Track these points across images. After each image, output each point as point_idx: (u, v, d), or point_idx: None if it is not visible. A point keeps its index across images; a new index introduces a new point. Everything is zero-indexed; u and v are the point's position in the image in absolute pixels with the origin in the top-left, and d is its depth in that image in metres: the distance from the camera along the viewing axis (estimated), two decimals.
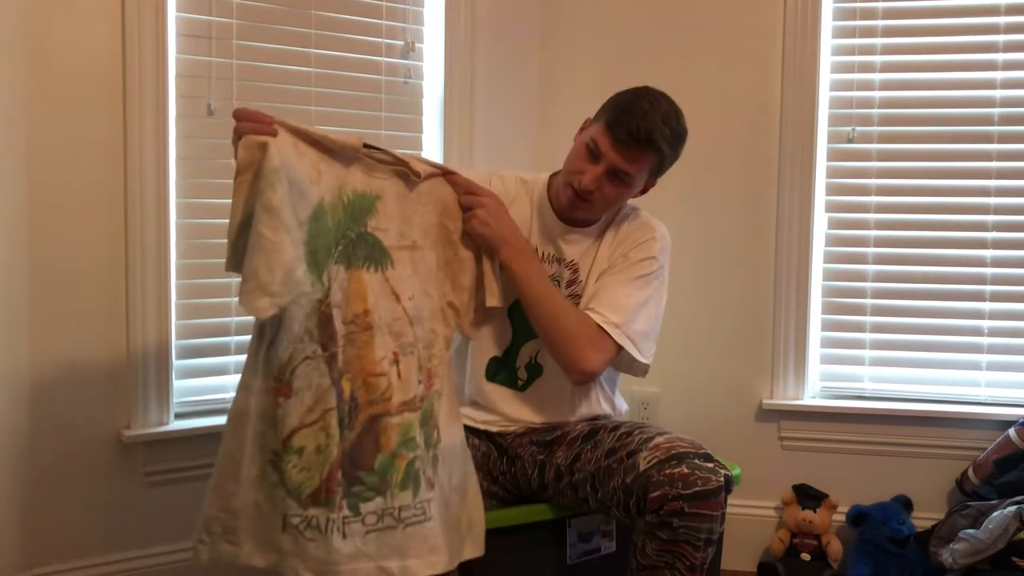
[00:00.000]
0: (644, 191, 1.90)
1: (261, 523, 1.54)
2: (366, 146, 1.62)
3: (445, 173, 1.75)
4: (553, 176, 1.94)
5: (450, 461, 1.69)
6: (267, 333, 1.51)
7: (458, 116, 2.56)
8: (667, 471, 1.62)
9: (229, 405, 2.26)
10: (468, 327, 1.76)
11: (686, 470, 1.61)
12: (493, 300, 1.76)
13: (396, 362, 1.62)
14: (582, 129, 1.89)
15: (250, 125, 1.45)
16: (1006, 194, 2.56)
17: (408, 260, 1.67)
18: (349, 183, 1.59)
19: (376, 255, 1.62)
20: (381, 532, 1.57)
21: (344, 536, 1.53)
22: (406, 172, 1.68)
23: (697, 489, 1.60)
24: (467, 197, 1.74)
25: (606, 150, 1.78)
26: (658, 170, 1.85)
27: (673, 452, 1.65)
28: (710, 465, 1.64)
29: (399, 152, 1.68)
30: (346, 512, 1.54)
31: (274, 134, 1.46)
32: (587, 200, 1.82)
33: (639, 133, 1.75)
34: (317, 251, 1.52)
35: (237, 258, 1.48)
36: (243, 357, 2.26)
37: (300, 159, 1.50)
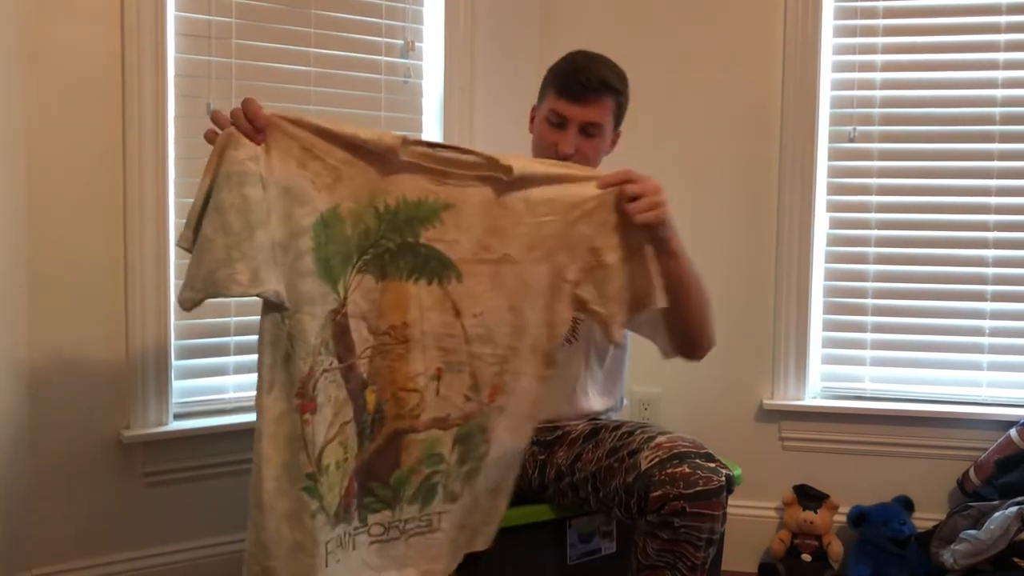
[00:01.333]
0: (613, 144, 1.92)
1: (301, 566, 1.45)
2: (432, 144, 1.52)
3: (577, 177, 1.60)
4: None
5: (494, 468, 1.65)
6: (282, 346, 1.43)
7: (458, 115, 2.55)
8: (668, 470, 1.61)
9: (229, 405, 2.31)
10: (618, 335, 1.65)
11: (687, 470, 1.61)
12: (663, 300, 1.63)
13: (437, 378, 1.57)
14: (532, 118, 1.92)
15: (241, 122, 1.38)
16: (1007, 194, 2.56)
17: (487, 275, 1.57)
18: (393, 190, 1.48)
19: (433, 268, 1.53)
20: (384, 544, 1.56)
21: (354, 547, 1.52)
22: (495, 176, 1.54)
23: (699, 489, 1.59)
24: (635, 187, 1.57)
25: (569, 112, 1.80)
26: (618, 115, 1.88)
27: (675, 451, 1.64)
28: (712, 465, 1.64)
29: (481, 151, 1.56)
30: (356, 523, 1.52)
31: (258, 144, 1.38)
32: None
33: (591, 82, 1.79)
34: (330, 258, 1.44)
35: (186, 234, 1.43)
36: (243, 357, 2.30)
37: (301, 166, 1.41)
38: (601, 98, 1.81)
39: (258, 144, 1.39)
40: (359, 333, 1.49)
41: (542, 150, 1.86)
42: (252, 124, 1.38)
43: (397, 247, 1.51)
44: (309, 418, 1.44)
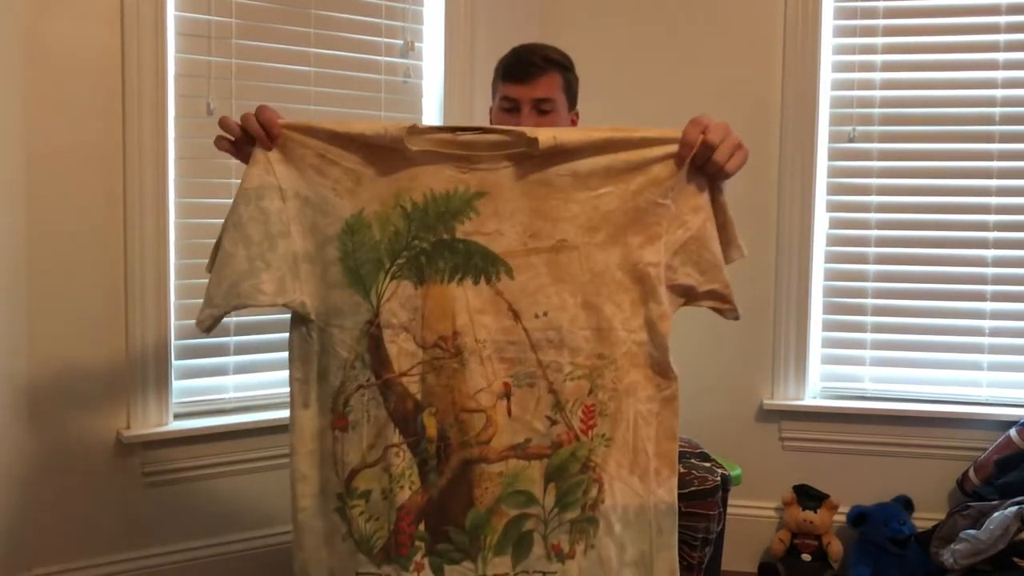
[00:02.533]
0: (574, 123, 1.95)
1: None
2: (447, 129, 1.37)
3: (630, 141, 1.37)
4: None
5: (627, 528, 1.38)
6: (310, 361, 1.37)
7: (458, 115, 2.55)
8: None
9: (229, 405, 2.31)
10: (734, 307, 1.44)
11: (682, 469, 1.61)
12: (740, 251, 1.46)
13: (507, 395, 1.36)
14: (491, 118, 1.95)
15: (253, 126, 1.35)
16: (1007, 194, 2.56)
17: (544, 266, 1.35)
18: (416, 185, 1.35)
19: (476, 264, 1.35)
20: None
21: None
22: (526, 152, 1.34)
23: (694, 488, 1.60)
24: (714, 134, 1.37)
25: (519, 92, 1.83)
26: (569, 90, 1.90)
27: None
28: (707, 465, 1.64)
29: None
30: (428, 573, 1.35)
31: (268, 148, 1.34)
32: None
33: (533, 59, 1.83)
34: (359, 267, 1.34)
35: (210, 263, 1.39)
36: (243, 357, 2.31)
37: (319, 173, 1.34)
38: (545, 74, 1.84)
39: (269, 149, 1.34)
40: (401, 346, 1.35)
41: None
42: (266, 131, 1.34)
43: (432, 246, 1.35)
44: (339, 435, 1.36)
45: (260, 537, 2.35)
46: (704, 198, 1.38)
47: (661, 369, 1.37)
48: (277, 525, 2.36)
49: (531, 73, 1.82)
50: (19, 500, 2.06)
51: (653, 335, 1.37)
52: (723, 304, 1.41)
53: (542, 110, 1.83)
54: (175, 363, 2.23)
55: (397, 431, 1.35)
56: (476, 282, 1.35)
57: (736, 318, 1.44)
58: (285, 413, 2.28)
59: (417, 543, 1.35)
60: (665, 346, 1.37)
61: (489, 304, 1.35)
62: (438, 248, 1.35)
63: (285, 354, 2.32)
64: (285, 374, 2.30)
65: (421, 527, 1.35)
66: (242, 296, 1.33)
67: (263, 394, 2.35)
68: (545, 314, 1.35)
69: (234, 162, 2.22)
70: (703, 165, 1.36)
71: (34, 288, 2.05)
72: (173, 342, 2.22)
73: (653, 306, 1.36)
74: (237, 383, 2.32)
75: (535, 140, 1.32)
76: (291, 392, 1.38)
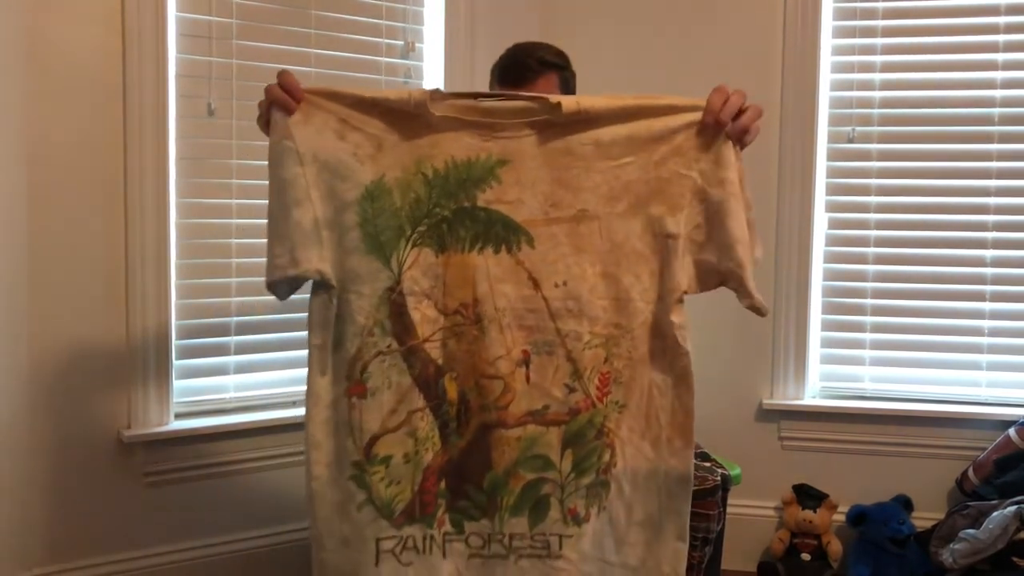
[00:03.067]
0: None
1: (348, 561, 1.37)
2: (470, 95, 1.36)
3: (656, 109, 1.35)
4: None
5: (637, 491, 1.41)
6: (329, 328, 1.35)
7: None
8: None
9: (229, 405, 2.32)
10: (759, 298, 1.39)
11: None
12: (760, 248, 1.40)
13: (525, 363, 1.37)
14: None
15: (277, 92, 1.34)
16: (1006, 194, 2.56)
17: (565, 236, 1.35)
18: (438, 153, 1.35)
19: (498, 233, 1.35)
20: (487, 559, 1.38)
21: (444, 555, 1.38)
22: (549, 119, 1.34)
23: (693, 488, 1.59)
24: (736, 99, 1.35)
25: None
26: (566, 88, 1.89)
27: None
28: (707, 464, 1.64)
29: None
30: (448, 528, 1.38)
31: (292, 110, 1.33)
32: None
33: (528, 61, 1.82)
34: (379, 234, 1.34)
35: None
36: (243, 357, 2.31)
37: (340, 138, 1.34)
38: (542, 76, 1.83)
39: (291, 113, 1.33)
40: (424, 313, 1.36)
41: None
42: (289, 95, 1.33)
43: (453, 214, 1.35)
44: (356, 402, 1.36)
45: (260, 537, 2.35)
46: (731, 172, 1.35)
47: (672, 342, 1.37)
48: (277, 525, 2.36)
49: (527, 76, 1.82)
50: (20, 500, 2.06)
51: (663, 307, 1.37)
52: (738, 289, 1.37)
53: None
54: (176, 363, 2.23)
55: (421, 396, 1.37)
56: (497, 251, 1.36)
57: (759, 312, 1.40)
58: (285, 413, 2.33)
59: (439, 500, 1.38)
60: (672, 320, 1.36)
61: (509, 273, 1.36)
62: (459, 216, 1.35)
63: (285, 354, 2.35)
64: (285, 374, 2.36)
65: (442, 485, 1.38)
66: (268, 271, 1.35)
67: (263, 394, 2.35)
68: (565, 283, 1.36)
69: (234, 162, 2.26)
70: (727, 132, 1.34)
71: (35, 286, 2.05)
72: (174, 342, 2.22)
73: (668, 278, 1.36)
74: (237, 383, 2.33)
75: (558, 106, 1.32)
76: (309, 358, 1.37)
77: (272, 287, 1.37)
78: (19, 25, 1.99)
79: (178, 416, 2.24)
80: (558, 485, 1.38)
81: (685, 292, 1.37)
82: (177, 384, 2.24)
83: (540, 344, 1.37)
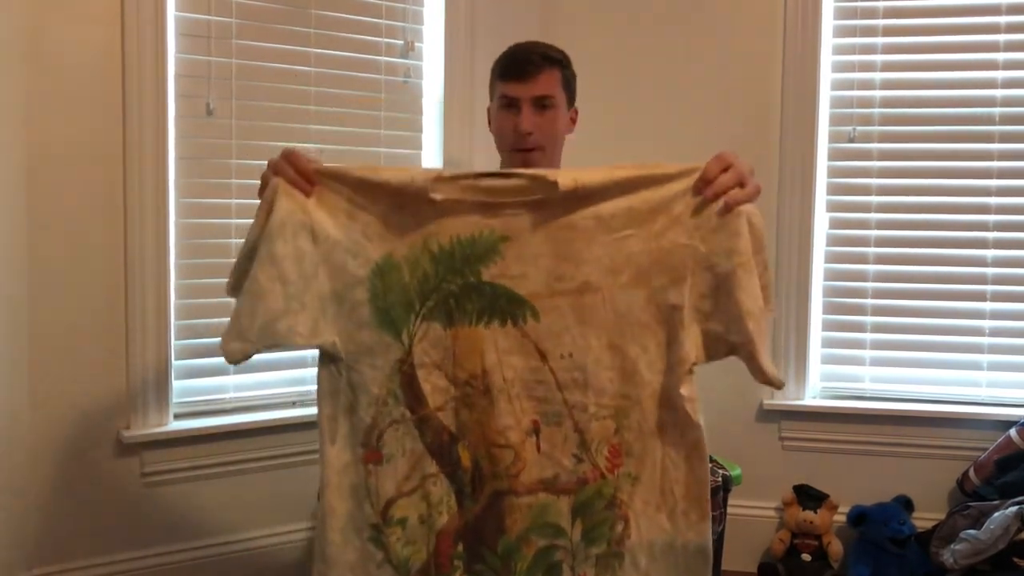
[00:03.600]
0: (573, 121, 1.94)
1: None
2: (471, 175, 1.38)
3: (654, 178, 1.36)
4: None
5: (650, 562, 1.40)
6: (343, 397, 1.39)
7: (458, 115, 2.55)
8: None
9: (228, 405, 2.31)
10: (773, 369, 1.37)
11: None
12: (772, 306, 1.40)
13: (535, 432, 1.40)
14: (490, 119, 1.95)
15: (290, 175, 1.36)
16: (1007, 194, 2.56)
17: (569, 308, 1.37)
18: (443, 230, 1.37)
19: (503, 307, 1.38)
20: None
21: None
22: (547, 196, 1.35)
23: None
24: (713, 167, 1.34)
25: (518, 91, 1.82)
26: (568, 87, 1.90)
27: None
28: (708, 465, 1.63)
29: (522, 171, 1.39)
30: None
31: (308, 195, 1.36)
32: (532, 148, 1.84)
33: (531, 57, 1.83)
34: (390, 308, 1.38)
35: (234, 283, 1.41)
36: None
37: (350, 218, 1.37)
38: (544, 71, 1.83)
39: (308, 194, 1.36)
40: (435, 383, 1.39)
41: (503, 139, 1.88)
42: (303, 176, 1.36)
43: (460, 289, 1.39)
44: (373, 468, 1.40)
45: (260, 537, 2.35)
46: (740, 241, 1.33)
47: (683, 415, 1.37)
48: (277, 525, 2.36)
49: (529, 71, 1.82)
50: (20, 500, 2.06)
51: (672, 379, 1.37)
52: (749, 362, 1.36)
53: (543, 105, 1.83)
54: (175, 363, 2.23)
55: (434, 462, 1.41)
56: (503, 324, 1.39)
57: (774, 385, 1.39)
58: (285, 413, 2.33)
59: (456, 562, 1.41)
60: (681, 393, 1.36)
61: (517, 345, 1.38)
62: (465, 291, 1.38)
63: (285, 354, 2.34)
64: (285, 374, 2.35)
65: (460, 547, 1.41)
66: (279, 336, 1.36)
67: (263, 394, 2.35)
68: (570, 355, 1.38)
69: (234, 162, 2.26)
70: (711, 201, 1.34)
71: (34, 288, 2.05)
72: (173, 342, 2.22)
73: (676, 349, 1.36)
74: (237, 383, 2.32)
75: (555, 184, 1.34)
76: (320, 427, 1.40)
77: (249, 355, 1.36)
78: (19, 25, 1.99)
79: (178, 416, 2.24)
80: (569, 552, 1.40)
81: (695, 363, 1.37)
82: (177, 384, 2.24)
83: (549, 415, 1.39)
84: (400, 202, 1.37)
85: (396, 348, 1.39)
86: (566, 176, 1.35)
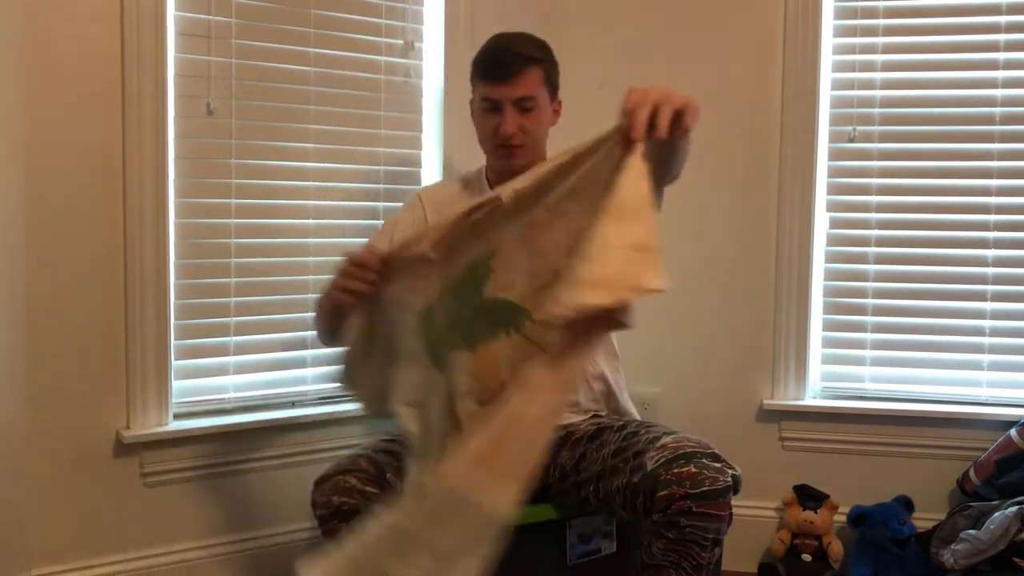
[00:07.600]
0: (557, 113, 1.95)
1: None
2: (458, 221, 1.53)
3: (579, 156, 1.41)
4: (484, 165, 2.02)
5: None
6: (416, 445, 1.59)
7: (458, 115, 2.54)
8: (675, 470, 1.61)
9: (228, 405, 2.31)
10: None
11: (694, 469, 1.60)
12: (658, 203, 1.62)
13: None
14: (472, 111, 1.96)
15: (377, 267, 1.61)
16: (1008, 194, 2.55)
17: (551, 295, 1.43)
18: (452, 267, 1.54)
19: (506, 319, 1.47)
20: None
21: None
22: (500, 208, 1.49)
23: (705, 488, 1.59)
24: (630, 101, 1.36)
25: (499, 93, 1.83)
26: (549, 81, 1.90)
27: (680, 451, 1.64)
28: (718, 465, 1.63)
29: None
30: None
31: (368, 291, 1.59)
32: (516, 145, 1.85)
33: (509, 56, 1.83)
34: (437, 348, 1.53)
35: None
36: (243, 357, 2.31)
37: (395, 283, 1.60)
38: (525, 72, 1.84)
39: (367, 291, 1.61)
40: (468, 409, 1.48)
41: (486, 138, 1.90)
42: (375, 271, 1.60)
43: (473, 312, 1.51)
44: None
45: (260, 537, 2.34)
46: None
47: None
48: (278, 525, 2.35)
49: (510, 73, 1.82)
50: (19, 500, 2.05)
51: None
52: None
53: (525, 107, 1.84)
54: (175, 363, 2.22)
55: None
56: (508, 334, 1.47)
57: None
58: (285, 413, 2.34)
59: None
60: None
61: (522, 351, 1.44)
62: (478, 313, 1.50)
63: (285, 354, 2.34)
64: (285, 374, 2.35)
65: None
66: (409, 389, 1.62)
67: (263, 394, 2.35)
68: None
69: (234, 162, 2.26)
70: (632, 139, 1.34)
71: (33, 288, 2.04)
72: (173, 342, 2.21)
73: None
74: (237, 383, 2.32)
75: (497, 198, 1.48)
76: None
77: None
78: (18, 24, 1.98)
79: (177, 416, 2.24)
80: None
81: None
82: (176, 384, 2.23)
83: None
84: (417, 260, 1.57)
85: (441, 382, 1.52)
86: (505, 190, 1.48)
